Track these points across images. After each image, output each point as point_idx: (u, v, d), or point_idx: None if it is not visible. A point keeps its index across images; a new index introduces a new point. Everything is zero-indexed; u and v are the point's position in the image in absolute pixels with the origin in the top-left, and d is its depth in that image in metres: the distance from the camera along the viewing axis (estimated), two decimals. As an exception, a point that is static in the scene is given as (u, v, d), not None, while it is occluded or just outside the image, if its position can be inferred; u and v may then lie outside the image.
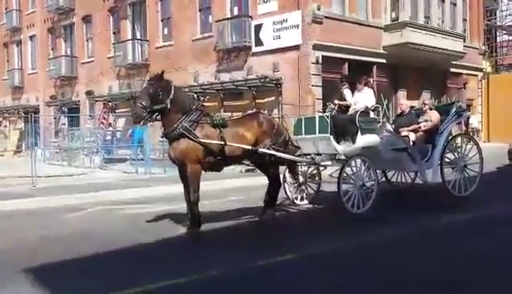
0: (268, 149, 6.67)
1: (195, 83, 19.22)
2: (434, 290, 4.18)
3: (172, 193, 9.98)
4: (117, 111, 23.64)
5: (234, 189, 9.93)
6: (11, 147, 28.13)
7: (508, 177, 11.81)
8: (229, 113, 8.56)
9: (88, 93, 25.39)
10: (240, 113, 8.56)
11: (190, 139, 6.09)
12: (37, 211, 8.52)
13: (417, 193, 9.30)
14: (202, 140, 6.12)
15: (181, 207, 7.68)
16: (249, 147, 6.50)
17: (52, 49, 28.38)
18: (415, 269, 4.73)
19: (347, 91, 8.24)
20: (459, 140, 9.12)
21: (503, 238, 5.89)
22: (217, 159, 6.35)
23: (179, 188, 10.23)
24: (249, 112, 7.64)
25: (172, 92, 6.14)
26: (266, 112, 13.30)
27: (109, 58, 23.88)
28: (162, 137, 6.71)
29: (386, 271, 4.67)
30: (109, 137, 21.23)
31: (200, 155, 6.17)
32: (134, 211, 8.27)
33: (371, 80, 18.59)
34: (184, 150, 6.11)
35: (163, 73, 6.24)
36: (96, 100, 24.54)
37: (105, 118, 22.17)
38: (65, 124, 25.89)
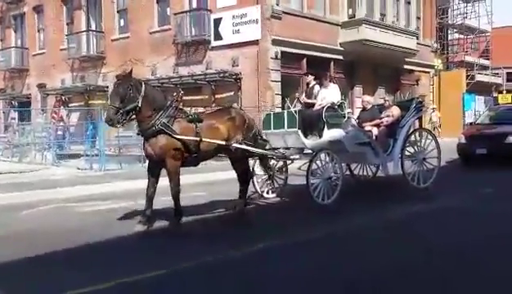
0: (241, 143, 6.77)
1: (153, 77, 18.87)
2: (400, 277, 4.32)
3: (127, 189, 9.81)
4: (70, 105, 22.93)
5: (195, 184, 9.85)
6: (-43, 142, 26.73)
7: (458, 170, 12.34)
8: (189, 108, 8.44)
9: (40, 86, 24.47)
10: (202, 108, 8.51)
11: (169, 135, 6.05)
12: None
13: (379, 185, 9.65)
14: (181, 137, 6.11)
15: (138, 203, 7.58)
16: (223, 142, 6.58)
17: (1, 40, 27.11)
18: (380, 257, 4.89)
19: (317, 87, 8.47)
20: (418, 134, 9.57)
21: (459, 226, 6.27)
22: (193, 154, 6.36)
23: (135, 184, 10.14)
24: (221, 106, 7.71)
25: (143, 89, 6.04)
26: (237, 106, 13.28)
27: (62, 50, 23.07)
28: (138, 134, 6.62)
29: (353, 260, 4.82)
30: (60, 132, 20.54)
31: (180, 150, 6.19)
32: (88, 208, 8.04)
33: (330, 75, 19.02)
34: (164, 146, 6.07)
35: (131, 71, 6.13)
36: (48, 94, 23.70)
37: (56, 113, 21.43)
38: (15, 118, 24.85)
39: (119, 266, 4.77)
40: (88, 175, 12.61)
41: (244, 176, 7.23)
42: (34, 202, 8.55)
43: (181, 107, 6.53)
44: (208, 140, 6.39)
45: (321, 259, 4.91)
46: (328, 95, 8.18)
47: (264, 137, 7.85)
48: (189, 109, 6.82)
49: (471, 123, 15.55)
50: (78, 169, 13.89)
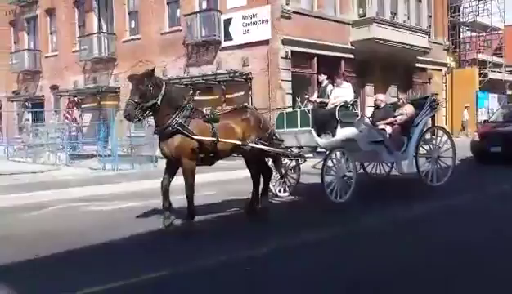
0: (256, 143, 6.79)
1: (164, 78, 18.87)
2: (418, 275, 4.30)
3: (140, 189, 9.87)
4: (83, 106, 23.13)
5: (205, 183, 9.88)
6: (-28, 144, 27.13)
7: (472, 168, 12.23)
8: (205, 109, 8.49)
9: (53, 88, 24.73)
10: (219, 108, 8.53)
11: (186, 135, 6.08)
12: (-1, 209, 8.24)
13: (393, 183, 9.63)
14: (198, 137, 6.13)
15: (151, 202, 7.63)
16: (240, 142, 6.60)
17: (15, 42, 27.45)
18: (397, 255, 4.89)
19: (330, 87, 8.49)
20: (433, 132, 9.56)
21: (473, 225, 6.20)
22: (209, 154, 6.41)
23: (147, 184, 10.19)
24: (236, 106, 7.76)
25: (164, 88, 6.08)
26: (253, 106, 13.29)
27: (74, 52, 23.29)
28: (154, 134, 6.69)
29: (369, 258, 4.80)
30: (74, 133, 20.73)
31: (196, 150, 6.21)
32: (100, 208, 8.11)
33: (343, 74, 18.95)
34: (180, 146, 6.10)
35: (154, 69, 6.17)
36: (61, 95, 23.94)
37: (69, 114, 21.63)
38: (28, 120, 25.13)
39: (131, 265, 4.80)
40: (101, 175, 12.71)
41: (263, 173, 7.23)
42: (47, 202, 8.64)
43: (197, 107, 6.54)
44: (224, 140, 6.40)
45: (334, 258, 4.89)
46: (341, 93, 8.21)
47: (278, 137, 7.90)
48: (205, 109, 6.81)
49: (485, 121, 15.38)
50: (91, 169, 14.02)
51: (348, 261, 4.78)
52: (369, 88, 20.01)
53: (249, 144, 6.72)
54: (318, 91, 8.82)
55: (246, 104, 8.97)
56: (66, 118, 21.29)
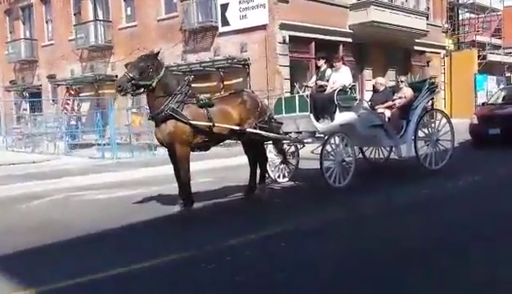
0: (255, 128, 6.75)
1: (161, 65, 18.84)
2: (423, 257, 4.32)
3: (139, 177, 9.89)
4: (81, 95, 23.04)
5: (201, 171, 9.89)
6: (-29, 134, 27.08)
7: (471, 151, 12.21)
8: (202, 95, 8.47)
9: (50, 77, 24.59)
10: (217, 93, 8.48)
11: (179, 120, 6.06)
12: (-2, 199, 8.26)
13: (392, 167, 9.62)
14: (192, 122, 6.10)
15: (150, 190, 7.64)
16: (237, 127, 6.56)
17: (10, 32, 27.20)
18: (395, 239, 4.88)
19: (328, 71, 8.42)
20: (431, 115, 9.53)
21: (477, 206, 6.20)
22: (205, 139, 6.39)
23: (146, 172, 10.21)
24: (234, 90, 7.72)
25: (162, 72, 6.08)
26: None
27: (70, 40, 23.08)
28: (149, 119, 6.73)
29: (372, 240, 4.81)
30: (74, 122, 20.70)
31: (189, 136, 6.18)
32: (100, 196, 8.13)
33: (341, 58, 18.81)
34: (173, 132, 6.08)
35: (158, 53, 6.21)
36: (59, 84, 23.82)
37: (68, 104, 21.57)
38: (26, 109, 25.05)
39: (134, 251, 4.81)
40: (100, 163, 12.72)
41: (259, 160, 7.21)
42: (46, 191, 8.66)
43: (192, 92, 6.48)
44: (220, 124, 6.37)
45: (335, 243, 4.88)
46: (339, 78, 8.14)
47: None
48: (202, 96, 6.79)
49: (483, 104, 15.32)
50: (90, 158, 14.03)
51: (350, 246, 4.76)
52: (367, 72, 19.93)
53: (248, 130, 6.68)
54: (317, 75, 8.71)
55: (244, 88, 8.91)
56: (65, 107, 21.22)
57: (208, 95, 7.05)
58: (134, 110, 15.84)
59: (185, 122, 6.09)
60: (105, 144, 14.98)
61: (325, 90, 8.21)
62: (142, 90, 6.12)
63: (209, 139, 6.46)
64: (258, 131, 6.81)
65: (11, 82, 27.14)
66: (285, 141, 7.99)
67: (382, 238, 4.89)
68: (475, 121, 12.83)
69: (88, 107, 21.90)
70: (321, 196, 7.34)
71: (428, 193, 7.13)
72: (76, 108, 22.23)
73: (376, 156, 10.00)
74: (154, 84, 5.98)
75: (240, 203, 7.07)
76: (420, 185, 7.66)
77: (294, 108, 7.88)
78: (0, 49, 27.32)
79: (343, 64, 8.58)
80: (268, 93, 15.25)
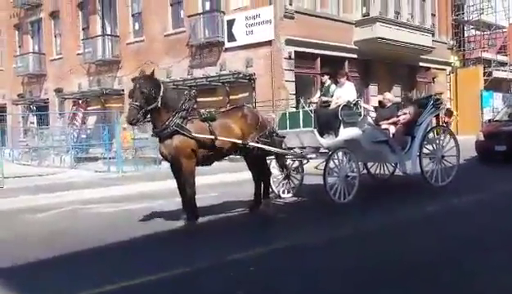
0: (257, 142, 6.79)
1: (168, 79, 18.97)
2: (428, 272, 4.29)
3: (144, 190, 9.90)
4: (88, 108, 23.20)
5: (208, 185, 9.88)
6: (-22, 147, 27.25)
7: (477, 168, 12.15)
8: (202, 110, 8.56)
9: (57, 91, 24.82)
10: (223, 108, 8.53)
11: (185, 135, 6.10)
12: (3, 212, 8.28)
13: (397, 183, 9.56)
14: (196, 135, 6.15)
15: (155, 204, 7.64)
16: (240, 141, 6.59)
17: (19, 46, 27.57)
18: (400, 254, 4.87)
19: (333, 86, 8.46)
20: (436, 132, 9.51)
21: (478, 225, 6.12)
22: (208, 153, 6.42)
23: (151, 186, 10.21)
24: (235, 105, 7.76)
25: (162, 90, 6.13)
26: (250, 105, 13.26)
27: (78, 54, 23.35)
28: (152, 136, 6.71)
29: (374, 258, 4.77)
30: (83, 136, 20.81)
31: (194, 150, 6.21)
32: (105, 209, 8.14)
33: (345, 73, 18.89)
34: (178, 147, 6.13)
35: (153, 72, 6.27)
36: (66, 98, 24.03)
37: (76, 117, 21.73)
38: (33, 123, 25.25)
39: (138, 265, 4.82)
40: (106, 177, 12.75)
41: (262, 175, 7.23)
42: (52, 204, 8.69)
43: (194, 107, 6.52)
44: (223, 138, 6.41)
45: (339, 259, 4.86)
46: (343, 93, 8.17)
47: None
48: (203, 110, 6.84)
49: (489, 120, 15.30)
50: (96, 172, 14.07)
51: (354, 261, 4.75)
52: (373, 88, 19.96)
53: (250, 144, 6.71)
54: (321, 91, 8.74)
55: (245, 103, 8.97)
56: (74, 121, 21.30)
57: (209, 110, 7.10)
58: (124, 126, 15.89)
59: (189, 137, 6.13)
60: (110, 158, 15.03)
61: (329, 105, 8.24)
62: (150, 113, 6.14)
63: (212, 153, 6.48)
64: (259, 145, 6.82)
65: (18, 95, 27.40)
66: (288, 156, 7.96)
67: (386, 254, 4.87)
68: (481, 138, 12.80)
69: (95, 120, 22.03)
70: (325, 212, 7.30)
71: (433, 209, 7.09)
72: (84, 121, 22.37)
73: (381, 172, 9.96)
74: (159, 104, 6.05)
75: (245, 218, 7.05)
76: (425, 202, 7.62)
77: (298, 123, 7.90)
78: (9, 63, 27.68)
79: (348, 79, 8.60)
80: (274, 108, 15.31)
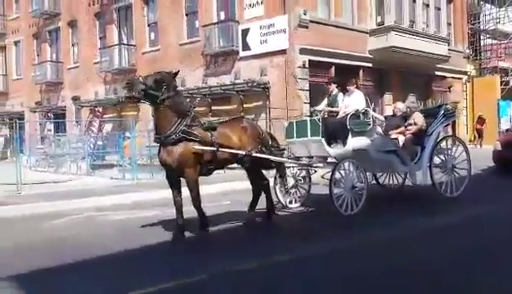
0: (259, 152, 6.73)
1: (183, 88, 19.11)
2: (434, 281, 4.25)
3: (158, 198, 9.94)
4: (104, 116, 23.48)
5: (222, 193, 9.90)
6: (-4, 154, 27.78)
7: (494, 178, 11.97)
8: (216, 118, 8.66)
9: (74, 99, 25.19)
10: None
11: (193, 141, 6.01)
12: (20, 218, 8.41)
13: (407, 194, 9.41)
14: (202, 148, 6.06)
15: (169, 212, 7.67)
16: (243, 152, 6.52)
17: (37, 54, 28.10)
18: (410, 263, 4.83)
19: (340, 95, 8.33)
20: (447, 142, 9.33)
21: (492, 237, 5.99)
22: (209, 163, 6.33)
23: (166, 193, 10.19)
24: (234, 117, 7.71)
25: (173, 93, 6.06)
26: (253, 116, 13.28)
27: (95, 63, 23.72)
28: (155, 141, 6.53)
29: (379, 271, 4.70)
30: (100, 142, 21.02)
31: (198, 158, 6.13)
32: (119, 216, 8.21)
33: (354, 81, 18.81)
34: (184, 154, 6.00)
35: (177, 72, 6.27)
36: (82, 106, 24.36)
37: (93, 125, 22.00)
38: (50, 130, 25.62)
39: (144, 275, 4.82)
40: (121, 184, 12.86)
41: (260, 188, 7.16)
42: (67, 210, 8.80)
43: (196, 115, 6.47)
44: (226, 150, 6.33)
45: (344, 271, 4.80)
46: (352, 102, 8.03)
47: (283, 146, 7.77)
48: (206, 119, 6.83)
49: (507, 130, 15.11)
50: (112, 179, 14.20)
51: (359, 272, 4.68)
52: (387, 97, 19.85)
53: (254, 154, 6.61)
54: (328, 100, 8.56)
55: (243, 114, 8.91)
56: (91, 127, 21.53)
57: (209, 119, 7.08)
58: (128, 135, 16.03)
59: (195, 141, 6.02)
60: (125, 165, 15.17)
61: (336, 115, 8.11)
62: (149, 101, 6.04)
63: (213, 162, 6.37)
64: (262, 155, 6.71)
65: (36, 103, 27.88)
66: (293, 166, 7.83)
67: (392, 264, 4.82)
68: (499, 147, 12.64)
69: (111, 128, 22.28)
70: (331, 222, 7.13)
71: (442, 221, 6.93)
72: (101, 129, 22.63)
73: (391, 182, 9.74)
74: (162, 97, 5.91)
75: (254, 228, 6.98)
76: (434, 213, 7.46)
77: (306, 132, 7.75)
78: (27, 71, 28.21)
79: (357, 88, 8.44)
80: (288, 117, 15.31)
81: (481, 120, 24.36)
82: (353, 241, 5.90)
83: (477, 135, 24.32)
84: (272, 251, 5.47)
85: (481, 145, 23.38)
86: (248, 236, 6.65)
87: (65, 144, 20.44)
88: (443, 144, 9.13)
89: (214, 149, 6.18)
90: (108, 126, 22.74)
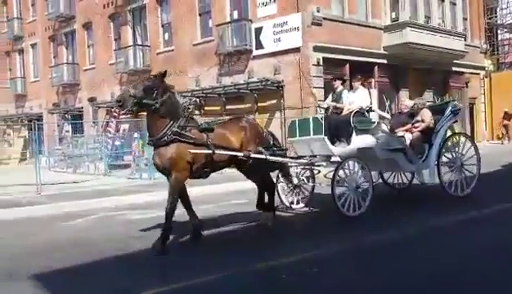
0: (260, 153, 6.53)
1: (197, 87, 19.28)
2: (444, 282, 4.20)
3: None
4: (121, 117, 23.70)
5: (241, 191, 9.92)
6: (16, 155, 28.27)
7: (508, 176, 11.70)
8: (227, 117, 8.69)
9: (91, 100, 25.50)
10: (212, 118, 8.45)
11: (185, 142, 5.81)
12: (39, 218, 8.56)
13: (414, 193, 9.19)
14: (194, 150, 5.83)
15: (181, 211, 7.70)
16: (240, 153, 6.30)
17: (54, 57, 28.52)
18: (416, 265, 4.76)
19: (345, 92, 8.13)
20: (456, 139, 9.08)
21: (501, 237, 5.86)
22: (203, 166, 6.12)
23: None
24: (234, 116, 7.56)
25: (166, 96, 5.86)
26: (267, 115, 13.17)
27: (110, 64, 23.97)
28: (148, 144, 6.39)
29: (382, 274, 4.64)
30: (118, 143, 21.23)
31: (190, 161, 5.90)
32: (133, 216, 8.29)
33: (373, 80, 18.72)
34: (173, 157, 5.77)
35: (165, 72, 6.03)
36: (99, 107, 24.65)
37: (110, 126, 22.22)
38: (68, 131, 25.97)
39: (156, 274, 4.91)
40: (137, 184, 13.00)
41: (266, 188, 6.96)
42: (85, 210, 8.93)
43: (192, 117, 6.30)
44: (222, 151, 6.12)
45: (349, 274, 4.74)
46: (356, 99, 7.80)
47: (286, 146, 7.62)
48: (203, 119, 6.68)
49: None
50: (129, 179, 14.36)
51: (367, 276, 4.60)
52: (404, 93, 19.65)
53: (252, 155, 6.39)
54: (332, 97, 8.35)
55: (243, 114, 8.70)
56: (108, 128, 21.75)
57: (207, 120, 6.88)
58: (135, 136, 16.19)
59: (188, 143, 5.82)
60: (142, 165, 15.32)
61: (340, 112, 7.88)
62: (144, 109, 5.87)
63: (209, 165, 6.17)
64: (260, 156, 6.47)
65: (54, 104, 28.30)
66: (296, 165, 7.65)
67: (398, 267, 4.75)
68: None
69: (127, 129, 22.48)
70: (339, 222, 6.98)
71: (450, 220, 6.75)
72: (118, 129, 22.84)
73: (398, 181, 9.47)
74: (157, 106, 5.74)
75: (263, 229, 6.85)
76: (443, 212, 7.26)
77: (308, 130, 7.52)
78: (44, 73, 28.65)
79: (362, 84, 8.16)
80: (302, 115, 15.28)
81: (508, 115, 23.96)
82: (364, 241, 5.79)
83: (504, 131, 23.93)
84: (279, 253, 5.41)
85: (509, 140, 23.05)
86: (256, 237, 6.56)
87: (83, 145, 20.72)
88: (452, 141, 8.81)
89: (209, 151, 5.96)
90: (125, 127, 22.96)
